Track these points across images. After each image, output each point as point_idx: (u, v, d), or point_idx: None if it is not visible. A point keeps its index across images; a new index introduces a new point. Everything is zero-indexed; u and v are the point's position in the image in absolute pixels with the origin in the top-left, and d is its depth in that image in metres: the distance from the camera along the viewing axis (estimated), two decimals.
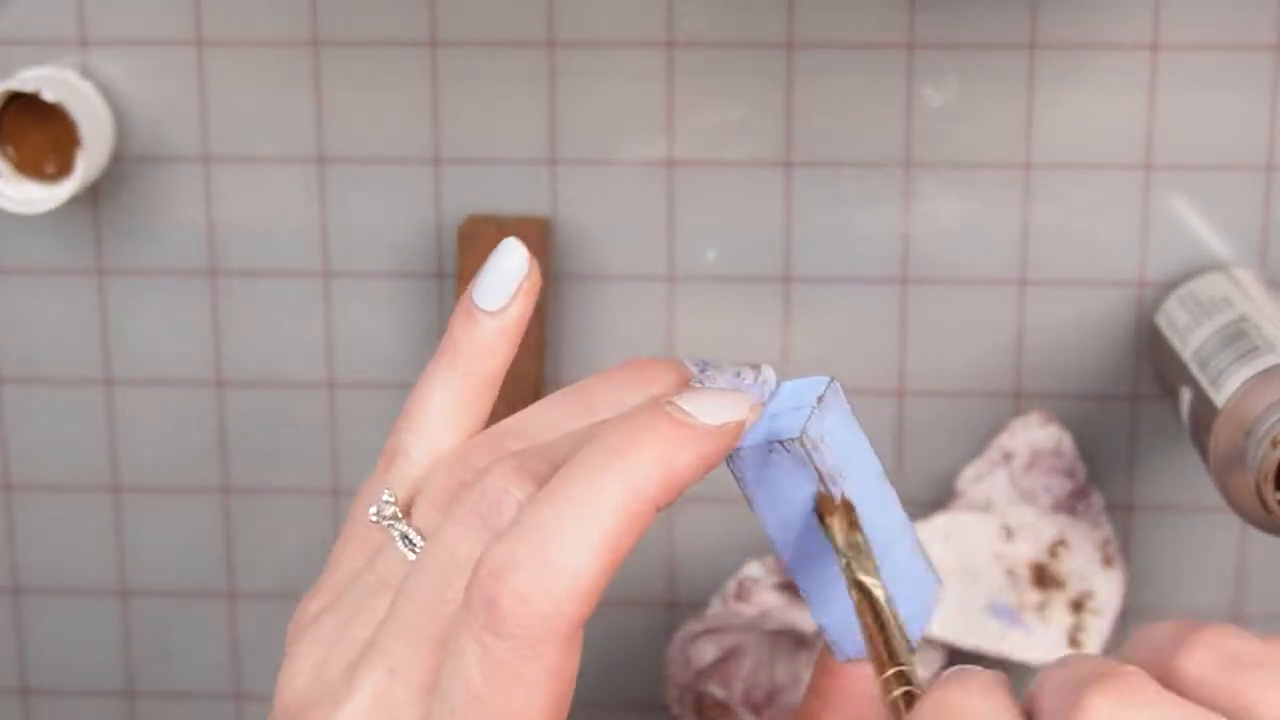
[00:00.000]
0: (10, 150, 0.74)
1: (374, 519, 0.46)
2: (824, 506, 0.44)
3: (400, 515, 0.45)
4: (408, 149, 0.76)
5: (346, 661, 0.43)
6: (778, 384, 0.45)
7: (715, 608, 0.76)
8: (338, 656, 0.44)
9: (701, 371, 0.46)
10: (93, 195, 0.77)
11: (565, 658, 0.40)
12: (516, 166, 0.75)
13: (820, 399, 0.44)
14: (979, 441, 0.77)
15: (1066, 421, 0.76)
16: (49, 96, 0.71)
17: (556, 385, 0.77)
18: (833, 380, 0.44)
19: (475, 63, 0.74)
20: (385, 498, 0.46)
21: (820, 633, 0.46)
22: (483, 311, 0.46)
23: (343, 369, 0.78)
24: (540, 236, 0.74)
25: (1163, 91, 0.73)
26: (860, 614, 0.42)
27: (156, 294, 0.78)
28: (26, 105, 0.73)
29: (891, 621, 0.42)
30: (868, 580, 0.43)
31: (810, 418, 0.43)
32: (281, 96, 0.75)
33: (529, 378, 0.74)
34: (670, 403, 0.42)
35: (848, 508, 0.44)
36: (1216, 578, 0.78)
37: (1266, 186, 0.74)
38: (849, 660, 0.46)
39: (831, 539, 0.44)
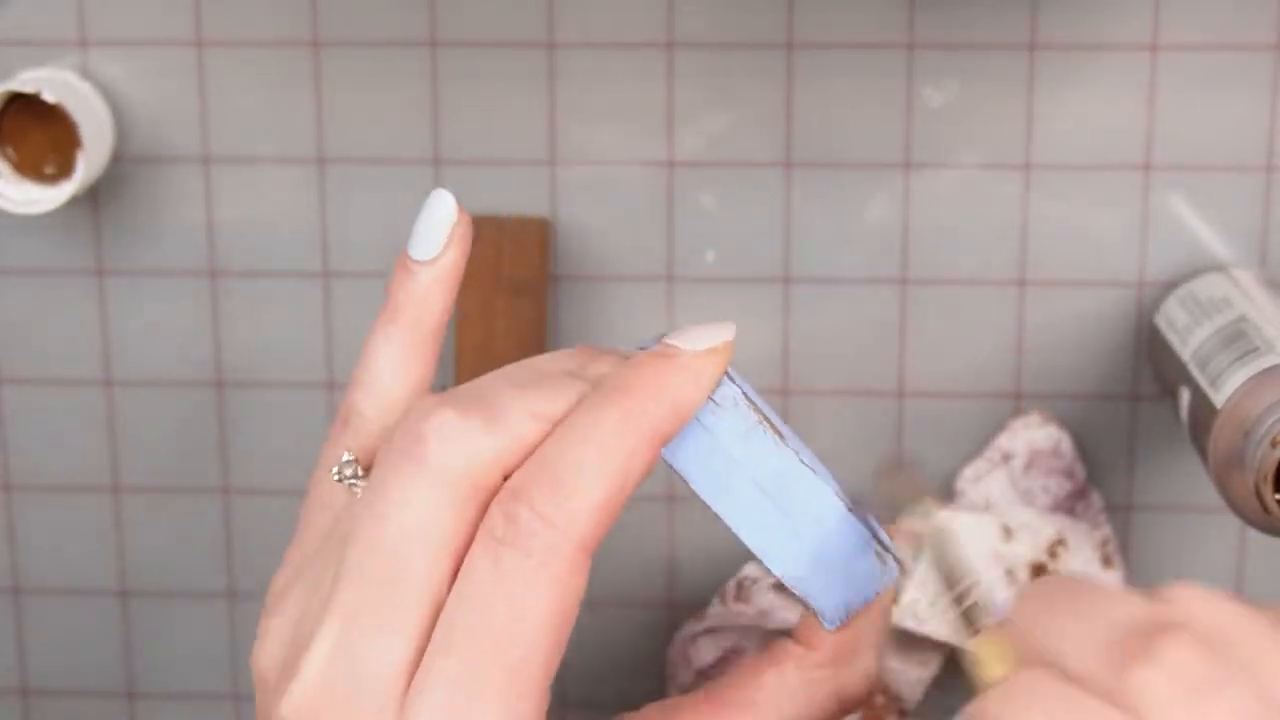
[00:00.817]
0: (10, 151, 0.74)
1: (335, 478, 0.47)
2: (881, 472, 0.46)
3: (361, 473, 0.47)
4: (408, 149, 0.76)
5: (312, 621, 0.44)
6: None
7: (715, 608, 0.76)
8: (305, 619, 0.45)
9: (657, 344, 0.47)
10: (93, 195, 0.77)
11: (570, 575, 0.42)
12: (516, 166, 0.75)
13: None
14: (978, 442, 0.77)
15: (1066, 422, 0.76)
16: (49, 97, 0.71)
17: None
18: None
19: (475, 63, 0.74)
20: (345, 457, 0.47)
21: (797, 596, 0.46)
22: (417, 263, 0.47)
23: (343, 369, 0.78)
24: (540, 236, 0.74)
25: (1163, 91, 0.73)
26: (927, 549, 0.44)
27: (156, 294, 0.78)
28: (27, 106, 0.73)
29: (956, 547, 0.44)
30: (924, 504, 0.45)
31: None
32: (281, 96, 0.75)
33: None
34: (657, 343, 0.45)
35: (907, 465, 0.46)
36: (1216, 578, 0.78)
37: (1266, 186, 0.74)
38: (834, 628, 0.47)
39: (884, 498, 0.46)
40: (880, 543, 0.47)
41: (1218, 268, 0.74)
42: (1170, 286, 0.74)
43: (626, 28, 0.74)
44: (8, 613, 0.82)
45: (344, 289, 0.77)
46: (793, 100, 0.74)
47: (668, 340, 0.45)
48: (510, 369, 0.46)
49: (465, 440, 0.43)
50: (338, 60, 0.75)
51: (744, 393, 0.46)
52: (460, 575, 0.43)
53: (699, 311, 0.76)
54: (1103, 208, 0.74)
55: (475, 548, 0.43)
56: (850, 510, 0.46)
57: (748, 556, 0.78)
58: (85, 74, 0.75)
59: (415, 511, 0.43)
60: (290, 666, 0.44)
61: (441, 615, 0.43)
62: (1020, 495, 0.75)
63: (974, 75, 0.73)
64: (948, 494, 0.77)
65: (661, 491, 0.78)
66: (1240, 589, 0.78)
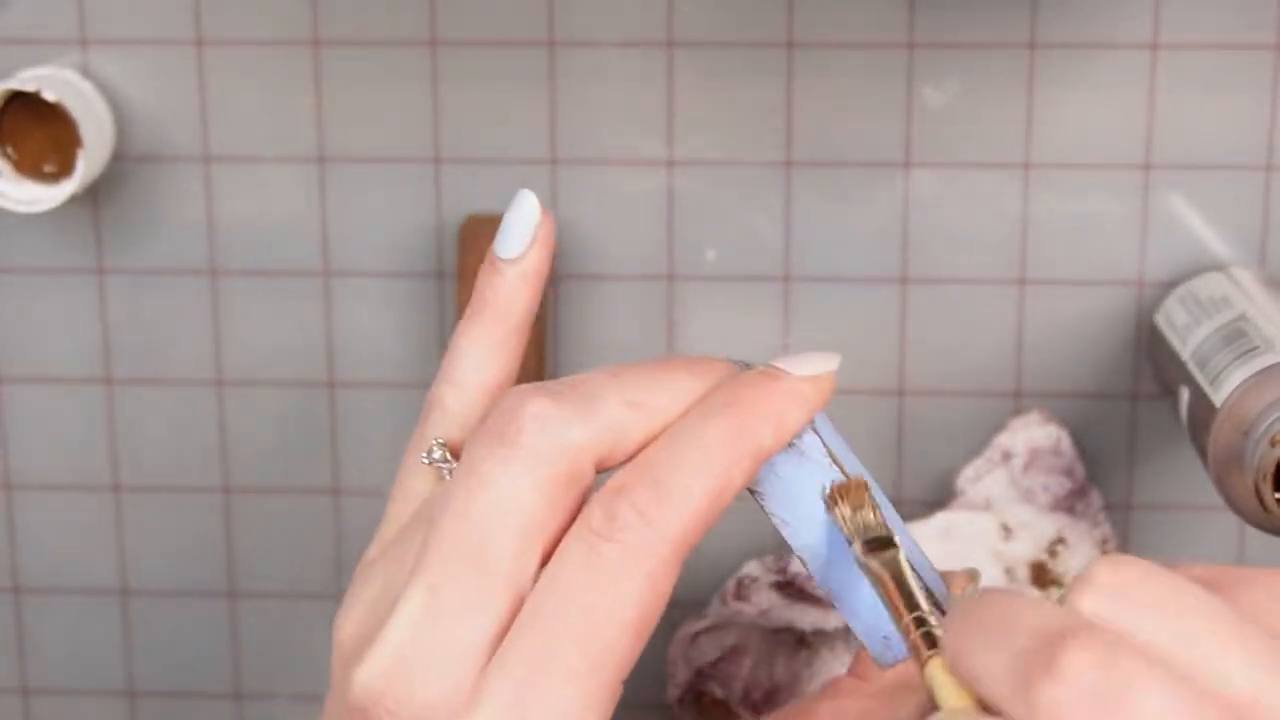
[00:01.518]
0: (10, 150, 0.74)
1: (425, 462, 0.49)
2: (833, 495, 0.45)
3: (450, 458, 0.48)
4: (408, 149, 0.76)
5: (396, 592, 0.46)
6: None
7: (715, 607, 0.76)
8: (389, 591, 0.46)
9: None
10: (93, 195, 0.77)
11: (662, 572, 0.43)
12: (516, 166, 0.75)
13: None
14: (978, 441, 0.77)
15: (1066, 421, 0.76)
16: (49, 96, 0.71)
17: None
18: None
19: (475, 63, 0.75)
20: (436, 440, 0.49)
21: (856, 639, 0.47)
22: (503, 260, 0.49)
23: (343, 369, 0.78)
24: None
25: (1163, 91, 0.73)
26: (874, 577, 0.43)
27: (156, 294, 0.78)
28: (27, 105, 0.73)
29: (909, 576, 0.44)
30: (883, 536, 0.45)
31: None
32: (281, 96, 0.75)
33: (529, 377, 0.74)
34: (767, 365, 0.47)
35: (859, 486, 0.45)
36: None
37: (1266, 186, 0.74)
38: (888, 665, 0.47)
39: (840, 524, 0.45)
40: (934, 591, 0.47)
41: (1217, 267, 0.74)
42: (1170, 286, 0.74)
43: (626, 28, 0.74)
44: (8, 613, 0.82)
45: (344, 289, 0.77)
46: (793, 100, 0.74)
47: (775, 363, 0.47)
48: (611, 366, 0.48)
49: (558, 426, 0.44)
50: (338, 60, 0.75)
51: (834, 430, 0.47)
52: (552, 561, 0.44)
53: (699, 311, 0.76)
54: (1103, 207, 0.74)
55: (569, 538, 0.44)
56: (911, 557, 0.46)
57: (747, 555, 0.78)
58: (85, 73, 0.75)
59: (504, 491, 0.44)
60: (370, 636, 0.45)
61: (529, 597, 0.44)
62: (1020, 494, 0.75)
63: (974, 75, 0.74)
64: (948, 493, 0.77)
65: None
66: None
